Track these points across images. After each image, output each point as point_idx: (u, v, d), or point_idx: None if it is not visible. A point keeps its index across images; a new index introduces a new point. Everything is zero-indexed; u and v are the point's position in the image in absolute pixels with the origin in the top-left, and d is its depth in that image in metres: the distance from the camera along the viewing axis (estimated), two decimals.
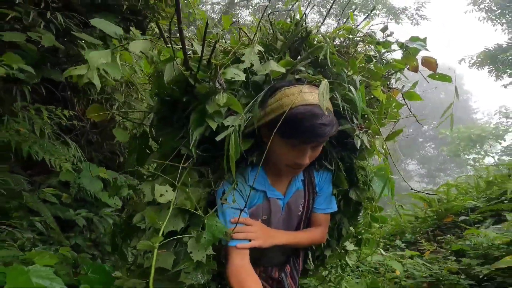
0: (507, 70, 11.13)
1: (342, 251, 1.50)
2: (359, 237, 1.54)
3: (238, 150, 0.94)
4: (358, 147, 1.13)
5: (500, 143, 15.03)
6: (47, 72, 2.27)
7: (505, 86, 12.28)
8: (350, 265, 1.57)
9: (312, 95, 0.99)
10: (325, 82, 0.95)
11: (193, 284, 1.01)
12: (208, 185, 1.10)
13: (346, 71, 1.11)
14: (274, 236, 1.15)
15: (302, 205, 1.26)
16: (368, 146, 1.17)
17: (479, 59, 11.90)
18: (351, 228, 1.45)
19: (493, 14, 12.02)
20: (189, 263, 1.03)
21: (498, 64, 11.38)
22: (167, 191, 0.97)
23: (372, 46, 1.22)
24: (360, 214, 1.41)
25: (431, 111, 23.44)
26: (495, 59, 11.33)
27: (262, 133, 1.07)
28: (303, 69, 1.10)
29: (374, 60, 1.19)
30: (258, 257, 1.22)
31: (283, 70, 1.04)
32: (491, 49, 11.53)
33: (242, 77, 1.00)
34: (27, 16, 2.10)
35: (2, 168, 2.00)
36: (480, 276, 1.95)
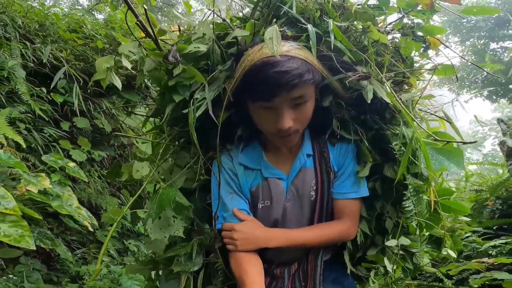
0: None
1: (399, 251, 1.11)
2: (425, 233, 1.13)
3: (192, 122, 0.85)
4: (369, 101, 0.85)
5: (480, 150, 15.96)
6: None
7: (466, 102, 11.50)
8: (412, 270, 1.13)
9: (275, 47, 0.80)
10: (273, 27, 0.78)
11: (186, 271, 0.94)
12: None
13: (325, 18, 0.87)
14: (266, 237, 0.96)
15: (315, 188, 1.01)
16: (387, 100, 0.86)
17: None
18: (399, 218, 1.07)
19: None
20: (181, 250, 0.98)
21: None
22: (142, 167, 0.95)
23: None
24: (404, 202, 1.03)
25: None
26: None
27: (242, 101, 0.93)
28: (282, 29, 0.92)
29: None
30: (261, 251, 1.03)
31: (246, 33, 0.92)
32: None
33: (203, 48, 0.94)
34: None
35: None
36: None
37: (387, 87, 0.81)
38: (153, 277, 1.16)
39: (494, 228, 2.43)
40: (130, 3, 1.04)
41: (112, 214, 0.93)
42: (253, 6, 1.00)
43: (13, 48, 2.28)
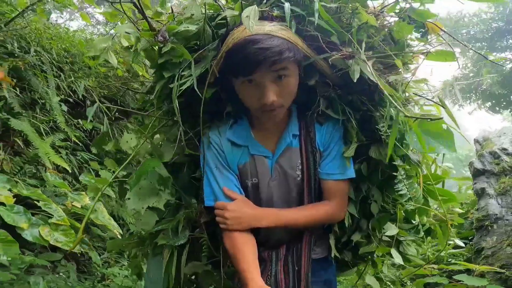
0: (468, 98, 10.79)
1: (383, 239, 1.10)
2: (415, 222, 1.11)
3: (175, 97, 0.89)
4: (355, 80, 0.85)
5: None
6: None
7: (470, 113, 11.92)
8: (396, 262, 1.11)
9: (257, 27, 0.83)
10: (252, 7, 0.82)
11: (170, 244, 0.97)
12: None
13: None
14: (257, 217, 0.98)
15: (300, 167, 1.02)
16: (374, 80, 0.86)
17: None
18: (386, 203, 1.06)
19: None
20: (167, 224, 1.01)
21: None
22: (131, 139, 0.98)
23: None
24: (397, 185, 1.02)
25: None
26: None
27: (229, 78, 0.95)
28: (266, 8, 0.93)
29: None
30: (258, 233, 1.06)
31: (235, 13, 0.94)
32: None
33: (193, 28, 0.97)
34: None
35: None
36: None
37: (369, 67, 0.81)
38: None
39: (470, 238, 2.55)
40: None
41: (98, 183, 0.97)
42: None
43: (49, 80, 2.60)
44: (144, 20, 1.07)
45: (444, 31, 0.96)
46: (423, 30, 1.00)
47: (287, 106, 0.94)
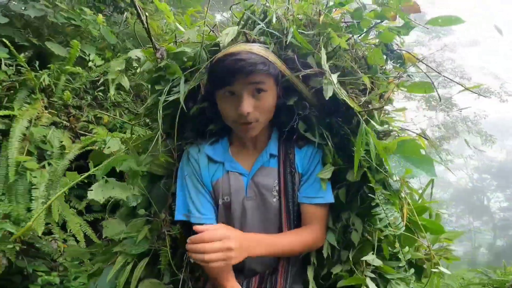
0: None
1: (364, 270, 1.01)
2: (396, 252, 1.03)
3: (160, 110, 0.97)
4: (327, 98, 0.87)
5: None
6: None
7: None
8: None
9: (239, 47, 0.92)
10: (233, 27, 0.94)
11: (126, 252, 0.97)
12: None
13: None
14: (252, 243, 0.88)
15: (277, 188, 1.00)
16: (346, 100, 0.88)
17: None
18: (368, 232, 0.99)
19: None
20: (130, 233, 0.99)
21: None
22: (113, 145, 1.02)
23: None
24: (375, 209, 0.97)
25: None
26: None
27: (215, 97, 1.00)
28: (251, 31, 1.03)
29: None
30: None
31: (229, 38, 1.01)
32: None
33: (188, 50, 1.06)
34: None
35: None
36: None
37: (334, 84, 0.84)
38: None
39: None
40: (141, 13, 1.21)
41: (68, 177, 0.98)
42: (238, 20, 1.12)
43: None
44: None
45: (421, 61, 1.00)
46: (400, 61, 1.05)
47: (263, 122, 0.96)
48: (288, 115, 1.03)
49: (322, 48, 0.89)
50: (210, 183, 1.03)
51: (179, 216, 1.01)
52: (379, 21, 0.96)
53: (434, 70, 0.98)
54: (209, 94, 1.00)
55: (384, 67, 1.02)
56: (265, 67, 0.88)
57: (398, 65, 1.05)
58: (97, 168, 1.01)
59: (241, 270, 1.02)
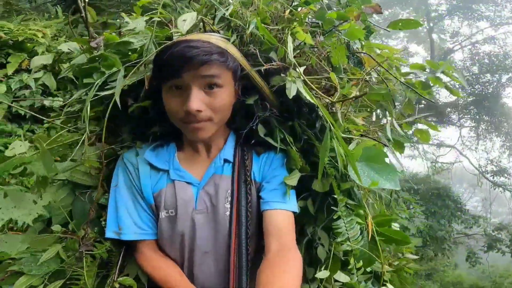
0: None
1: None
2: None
3: (87, 108, 0.78)
4: (291, 97, 0.78)
5: None
6: None
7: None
8: None
9: (195, 35, 0.80)
10: (192, 13, 0.83)
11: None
12: None
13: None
14: None
15: (229, 199, 0.85)
16: (309, 98, 0.81)
17: None
18: (334, 248, 0.91)
19: None
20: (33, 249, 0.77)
21: None
22: (20, 146, 0.84)
23: None
24: (336, 222, 0.90)
25: None
26: None
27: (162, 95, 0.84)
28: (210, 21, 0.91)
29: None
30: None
31: (187, 26, 0.87)
32: None
33: (134, 41, 0.89)
34: None
35: None
36: None
37: (301, 81, 0.77)
38: None
39: None
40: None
41: None
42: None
43: None
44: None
45: (380, 65, 0.99)
46: (360, 65, 1.03)
47: (216, 123, 0.82)
48: (247, 117, 0.91)
49: (289, 40, 0.81)
50: (151, 194, 0.85)
51: (109, 233, 0.83)
52: (342, 21, 0.93)
53: (393, 75, 0.96)
54: (155, 90, 0.83)
55: (346, 69, 0.99)
56: (223, 58, 0.75)
57: (353, 65, 1.04)
58: None
59: None
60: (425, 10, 12.09)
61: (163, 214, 0.84)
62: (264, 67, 0.80)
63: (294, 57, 0.88)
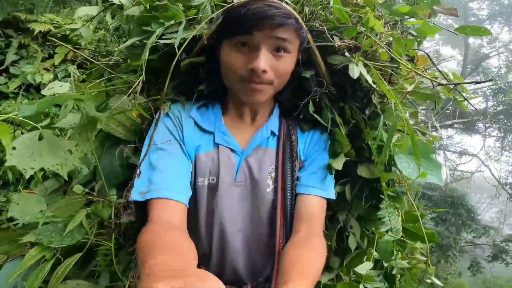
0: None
1: (350, 278, 0.91)
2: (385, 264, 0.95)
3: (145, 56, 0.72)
4: (355, 77, 0.75)
5: None
6: None
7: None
8: None
9: None
10: None
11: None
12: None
13: None
14: None
15: (273, 175, 0.82)
16: (373, 85, 0.78)
17: None
18: (363, 237, 0.90)
19: None
20: (57, 218, 0.74)
21: None
22: (60, 86, 0.80)
23: None
24: (381, 212, 0.88)
25: None
26: None
27: (216, 54, 0.81)
28: None
29: None
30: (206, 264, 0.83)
31: None
32: None
33: None
34: None
35: None
36: None
37: (361, 64, 0.73)
38: None
39: None
40: None
41: None
42: None
43: None
44: None
45: (435, 66, 0.94)
46: (410, 57, 0.98)
47: (274, 88, 0.78)
48: (295, 92, 0.88)
49: (372, 16, 0.76)
50: (193, 154, 0.80)
51: (135, 195, 0.72)
52: (407, 17, 0.89)
53: (443, 75, 0.91)
54: (211, 47, 0.80)
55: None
56: (298, 24, 0.72)
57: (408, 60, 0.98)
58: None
59: (229, 281, 0.83)
60: (463, 14, 11.44)
61: (205, 181, 0.79)
62: (338, 44, 0.76)
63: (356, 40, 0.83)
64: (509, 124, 10.38)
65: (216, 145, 0.81)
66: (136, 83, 0.77)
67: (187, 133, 0.80)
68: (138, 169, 0.74)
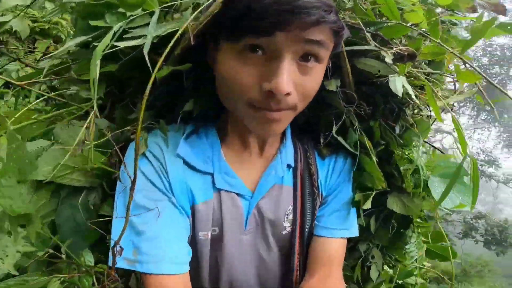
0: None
1: None
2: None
3: (95, 64, 0.46)
4: (399, 93, 0.56)
5: None
6: None
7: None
8: None
9: None
10: None
11: None
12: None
13: None
14: None
15: (291, 217, 0.66)
16: (416, 100, 0.61)
17: None
18: (387, 267, 0.81)
19: None
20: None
21: None
22: None
23: None
24: (408, 246, 0.78)
25: None
26: None
27: (207, 56, 0.56)
28: None
29: None
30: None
31: None
32: None
33: None
34: None
35: None
36: None
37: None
38: None
39: None
40: None
41: None
42: None
43: None
44: None
45: (463, 60, 0.78)
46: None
47: (296, 114, 0.56)
48: (311, 108, 0.68)
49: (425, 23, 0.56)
50: (188, 205, 0.60)
51: (121, 261, 0.54)
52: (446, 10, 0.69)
53: (480, 73, 0.76)
54: (200, 49, 0.55)
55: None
56: (339, 22, 0.48)
57: None
58: None
59: None
60: None
61: (204, 234, 0.61)
62: (393, 51, 0.55)
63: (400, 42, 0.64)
64: (482, 103, 11.11)
65: (217, 190, 0.61)
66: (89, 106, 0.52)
67: (175, 180, 0.58)
68: (112, 240, 0.51)
